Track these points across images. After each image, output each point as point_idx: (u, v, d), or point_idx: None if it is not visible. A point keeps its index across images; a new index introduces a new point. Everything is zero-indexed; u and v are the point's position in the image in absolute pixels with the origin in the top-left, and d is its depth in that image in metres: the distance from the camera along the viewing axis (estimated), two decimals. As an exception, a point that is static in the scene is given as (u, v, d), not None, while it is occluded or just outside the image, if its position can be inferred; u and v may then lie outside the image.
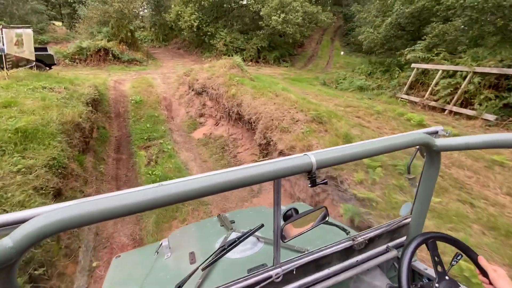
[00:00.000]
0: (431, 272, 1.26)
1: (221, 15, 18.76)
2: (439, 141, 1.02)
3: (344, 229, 1.41)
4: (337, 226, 1.43)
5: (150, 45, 22.55)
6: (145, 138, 6.99)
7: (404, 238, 1.40)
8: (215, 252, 1.13)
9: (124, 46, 17.03)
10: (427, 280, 1.26)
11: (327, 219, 1.16)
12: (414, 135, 0.99)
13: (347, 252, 1.25)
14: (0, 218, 0.60)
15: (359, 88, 11.91)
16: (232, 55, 15.18)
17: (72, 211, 0.57)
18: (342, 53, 19.93)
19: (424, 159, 1.14)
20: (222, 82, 7.68)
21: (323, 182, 0.87)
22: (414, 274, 1.33)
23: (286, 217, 1.07)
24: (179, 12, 18.22)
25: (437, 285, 0.98)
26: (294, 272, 1.10)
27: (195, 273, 1.14)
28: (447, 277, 1.00)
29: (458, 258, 1.05)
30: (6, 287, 0.60)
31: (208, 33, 18.36)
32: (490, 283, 0.93)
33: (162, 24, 23.01)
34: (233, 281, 1.04)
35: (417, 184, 1.23)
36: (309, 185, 0.84)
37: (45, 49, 10.90)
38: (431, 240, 1.07)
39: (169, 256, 1.63)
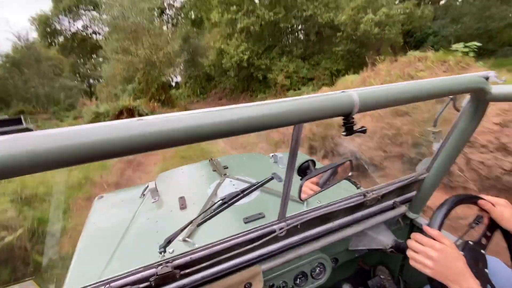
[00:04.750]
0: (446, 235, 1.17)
1: (275, 41, 13.98)
2: (494, 89, 0.83)
3: (354, 183, 1.43)
4: (347, 179, 1.33)
5: (186, 101, 18.50)
6: None
7: (413, 193, 1.28)
8: (213, 204, 1.04)
9: (156, 104, 12.56)
10: None
11: (350, 174, 1.01)
12: (467, 78, 0.80)
13: (355, 208, 1.15)
14: None
15: None
16: (298, 88, 12.27)
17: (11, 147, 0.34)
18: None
19: (462, 110, 0.95)
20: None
21: (362, 129, 0.66)
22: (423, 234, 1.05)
23: (301, 170, 0.99)
24: (222, 49, 13.81)
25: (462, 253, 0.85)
26: (299, 227, 1.01)
27: (188, 227, 1.03)
28: (470, 242, 0.89)
29: (480, 220, 0.94)
30: None
31: (262, 67, 13.42)
32: None
33: (198, 76, 19.31)
34: (234, 235, 0.92)
35: (442, 138, 1.07)
36: (343, 133, 0.65)
37: (18, 121, 6.16)
38: (466, 203, 0.94)
39: (156, 200, 1.52)
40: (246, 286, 0.97)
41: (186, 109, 15.22)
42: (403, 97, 0.69)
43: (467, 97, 0.93)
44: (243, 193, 0.99)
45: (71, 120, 12.79)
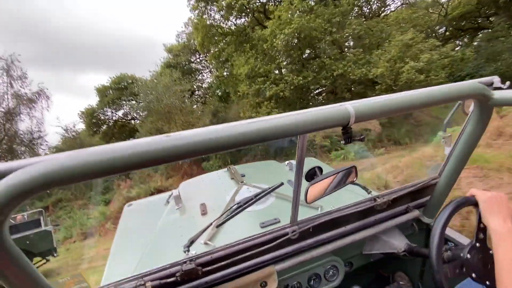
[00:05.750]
0: (454, 235, 1.22)
1: (306, 103, 13.59)
2: (497, 94, 0.85)
3: (365, 188, 1.46)
4: (358, 185, 1.43)
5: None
6: None
7: (426, 198, 1.27)
8: (230, 208, 1.19)
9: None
10: (452, 245, 1.21)
11: (355, 180, 1.08)
12: (467, 85, 0.82)
13: (367, 212, 1.17)
14: None
15: None
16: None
17: (65, 162, 0.45)
18: None
19: (469, 115, 0.97)
20: None
21: (360, 138, 0.71)
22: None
23: (309, 176, 1.10)
24: (253, 117, 13.63)
25: (468, 256, 0.88)
26: (311, 230, 1.06)
27: (208, 228, 1.16)
28: (478, 244, 0.90)
29: (478, 221, 0.94)
30: None
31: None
32: None
33: (228, 146, 19.12)
34: (249, 237, 1.00)
35: (452, 143, 1.09)
36: (343, 142, 0.69)
37: (37, 223, 5.30)
38: (472, 205, 0.93)
39: (180, 207, 1.64)
40: (262, 285, 1.01)
41: (218, 182, 14.37)
42: (400, 107, 0.71)
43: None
44: (256, 198, 1.14)
45: (102, 207, 12.27)
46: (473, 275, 0.87)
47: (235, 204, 1.12)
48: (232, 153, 19.60)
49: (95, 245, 8.13)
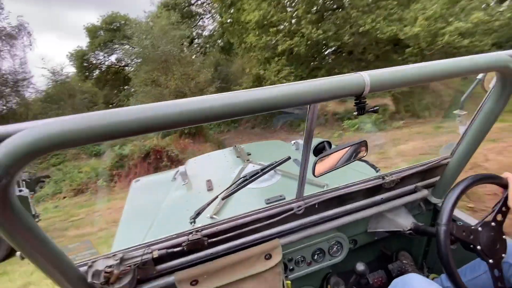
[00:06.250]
0: (461, 215, 1.21)
1: (321, 62, 12.10)
2: None
3: (373, 167, 1.49)
4: (366, 162, 1.42)
5: (216, 131, 16.95)
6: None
7: (436, 178, 1.26)
8: (236, 182, 1.15)
9: (187, 140, 10.98)
10: (460, 223, 1.18)
11: (365, 155, 1.05)
12: (490, 56, 0.77)
13: (374, 190, 1.17)
14: None
15: None
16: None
17: (68, 125, 0.47)
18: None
19: (490, 90, 0.92)
20: None
21: (374, 109, 0.69)
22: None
23: (317, 151, 1.06)
24: (259, 75, 12.18)
25: (480, 228, 0.91)
26: (316, 206, 1.06)
27: (214, 201, 1.14)
28: (493, 223, 0.92)
29: (502, 203, 0.95)
30: (4, 215, 0.50)
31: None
32: None
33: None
34: (254, 210, 1.01)
35: (468, 122, 1.05)
36: (355, 113, 0.68)
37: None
38: (483, 182, 0.96)
39: (186, 182, 1.67)
40: (266, 257, 1.01)
41: (218, 141, 13.58)
42: (417, 78, 0.69)
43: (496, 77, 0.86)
44: (262, 171, 1.12)
45: (94, 161, 11.57)
46: (478, 247, 0.88)
47: (240, 178, 1.13)
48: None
49: (85, 204, 7.60)
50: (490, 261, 0.85)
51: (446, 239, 0.85)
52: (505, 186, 0.92)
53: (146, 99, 11.29)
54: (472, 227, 0.90)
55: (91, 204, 7.56)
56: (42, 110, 18.73)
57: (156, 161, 8.77)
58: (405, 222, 1.18)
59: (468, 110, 1.07)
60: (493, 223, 0.90)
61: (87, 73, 25.91)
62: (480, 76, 0.94)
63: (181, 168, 1.74)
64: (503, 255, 0.86)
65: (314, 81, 0.61)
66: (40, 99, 19.28)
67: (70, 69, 24.25)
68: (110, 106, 26.03)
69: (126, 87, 25.24)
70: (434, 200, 1.25)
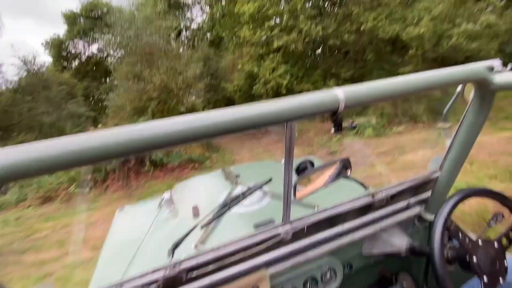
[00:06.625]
0: (459, 231, 1.17)
1: (318, 61, 11.45)
2: (498, 78, 0.78)
3: (362, 184, 1.41)
4: (354, 180, 1.34)
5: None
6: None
7: (428, 193, 1.22)
8: (217, 209, 1.14)
9: (172, 141, 10.04)
10: (456, 242, 1.13)
11: (348, 173, 1.06)
12: (466, 68, 0.77)
13: (365, 209, 1.12)
14: None
15: None
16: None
17: (27, 154, 0.43)
18: None
19: (470, 102, 0.91)
20: None
21: (352, 126, 0.57)
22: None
23: (300, 171, 1.03)
24: (252, 72, 11.36)
25: (480, 243, 0.88)
26: (305, 230, 1.00)
27: (199, 229, 1.09)
28: (496, 245, 0.89)
29: (499, 218, 0.95)
30: None
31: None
32: None
33: (218, 100, 17.04)
34: (238, 238, 0.93)
35: (453, 134, 1.04)
36: (333, 131, 0.55)
37: None
38: (474, 197, 0.98)
39: (172, 210, 1.60)
40: None
41: (209, 144, 12.78)
42: (394, 92, 0.68)
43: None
44: (243, 195, 1.10)
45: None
46: (475, 260, 0.86)
47: (221, 204, 1.10)
48: (220, 107, 17.71)
49: (53, 216, 6.61)
50: (485, 278, 0.82)
51: (441, 260, 0.85)
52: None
53: (128, 95, 10.24)
54: (473, 240, 0.89)
55: (60, 215, 6.58)
56: (12, 102, 17.14)
57: (138, 166, 7.86)
58: (400, 242, 1.13)
59: (452, 122, 1.04)
60: (496, 244, 0.88)
61: (65, 63, 24.14)
62: (459, 88, 0.93)
63: (166, 195, 1.70)
64: (500, 278, 0.82)
65: (289, 99, 0.60)
66: (10, 90, 17.61)
67: (47, 58, 22.48)
68: (90, 99, 24.36)
69: (108, 78, 23.70)
70: (428, 216, 1.20)
